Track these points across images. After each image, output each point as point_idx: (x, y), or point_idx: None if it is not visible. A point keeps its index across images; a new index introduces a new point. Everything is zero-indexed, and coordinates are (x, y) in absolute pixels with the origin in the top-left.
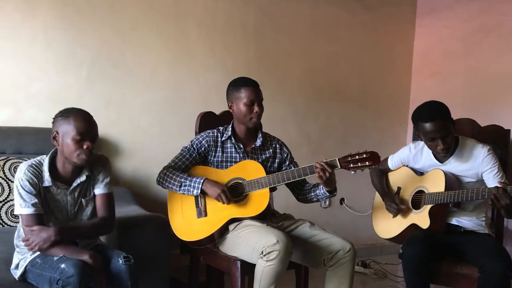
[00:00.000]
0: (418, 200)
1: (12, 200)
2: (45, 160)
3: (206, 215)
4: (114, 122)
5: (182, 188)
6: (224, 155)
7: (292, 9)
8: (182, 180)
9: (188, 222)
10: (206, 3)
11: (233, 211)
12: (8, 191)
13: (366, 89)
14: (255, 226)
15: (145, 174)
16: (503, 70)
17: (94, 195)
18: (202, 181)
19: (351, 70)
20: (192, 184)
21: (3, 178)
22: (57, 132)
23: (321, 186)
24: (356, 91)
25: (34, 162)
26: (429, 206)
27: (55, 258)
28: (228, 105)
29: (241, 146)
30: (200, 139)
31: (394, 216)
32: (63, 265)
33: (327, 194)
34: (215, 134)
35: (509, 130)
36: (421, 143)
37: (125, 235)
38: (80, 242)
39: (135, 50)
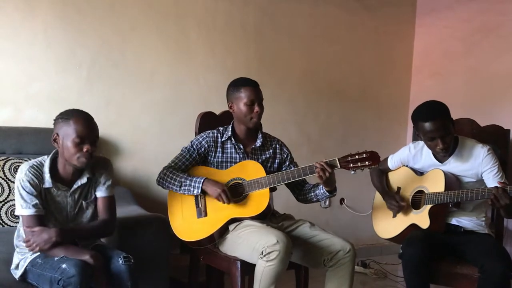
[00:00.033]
0: (418, 200)
1: (12, 200)
2: (46, 161)
3: (206, 215)
4: (114, 122)
5: (182, 188)
6: (224, 155)
7: (292, 9)
8: (183, 180)
9: (188, 222)
10: (206, 3)
11: (233, 211)
12: (8, 191)
13: (366, 89)
14: (255, 226)
15: (145, 174)
16: (503, 70)
17: (95, 198)
18: (202, 180)
19: (351, 70)
20: (193, 183)
21: (3, 178)
22: (57, 134)
23: (321, 186)
24: (356, 91)
25: (35, 163)
26: (429, 206)
27: (56, 258)
28: (228, 105)
29: (241, 146)
30: (200, 139)
31: (395, 214)
32: (64, 265)
33: (327, 194)
34: (215, 134)
35: (509, 130)
36: (421, 143)
37: (125, 235)
38: (80, 242)
39: (135, 50)
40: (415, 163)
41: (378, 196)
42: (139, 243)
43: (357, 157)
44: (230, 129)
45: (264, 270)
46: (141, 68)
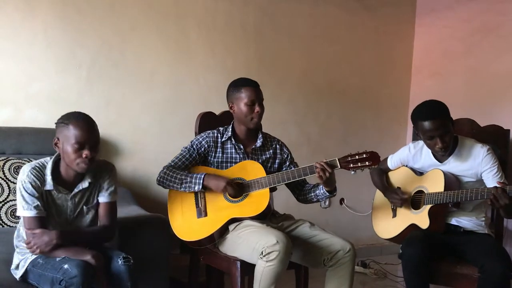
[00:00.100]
0: (417, 200)
1: (11, 200)
2: (49, 163)
3: (206, 215)
4: (114, 122)
5: (183, 186)
6: (224, 155)
7: (292, 9)
8: (183, 177)
9: (188, 222)
10: (206, 3)
11: (233, 211)
12: (8, 192)
13: (366, 89)
14: (255, 226)
15: (145, 174)
16: (503, 70)
17: (97, 203)
18: (203, 176)
19: (351, 70)
20: (193, 180)
21: (3, 179)
22: (58, 139)
23: (321, 186)
24: (356, 91)
25: (37, 165)
26: (428, 206)
27: (58, 259)
28: (229, 105)
29: (241, 146)
30: (200, 139)
31: (400, 205)
32: (66, 266)
33: (327, 194)
34: (215, 134)
35: (508, 130)
36: (421, 142)
37: (125, 235)
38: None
39: (135, 50)
40: (415, 163)
41: (378, 196)
42: (139, 243)
43: (357, 157)
44: (230, 129)
45: (264, 270)
46: (141, 68)
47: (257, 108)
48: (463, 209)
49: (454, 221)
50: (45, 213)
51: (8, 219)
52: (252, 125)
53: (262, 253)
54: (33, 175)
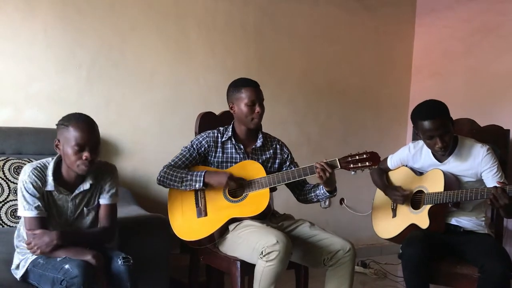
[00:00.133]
0: (417, 200)
1: (11, 200)
2: (51, 163)
3: (206, 214)
4: (114, 122)
5: (184, 184)
6: (225, 155)
7: (292, 9)
8: (183, 175)
9: (188, 222)
10: (206, 3)
11: (233, 211)
12: (8, 192)
13: (366, 89)
14: (255, 226)
15: (145, 174)
16: (503, 70)
17: (98, 204)
18: (203, 173)
19: (351, 70)
20: (194, 178)
21: (2, 179)
22: (58, 141)
23: (321, 186)
24: (356, 91)
25: (39, 165)
26: (428, 206)
27: (59, 259)
28: (229, 106)
29: (242, 146)
30: (200, 139)
31: (402, 202)
32: (67, 266)
33: (327, 194)
34: (215, 134)
35: (508, 130)
36: (421, 142)
37: (125, 235)
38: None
39: (135, 50)
40: (415, 163)
41: (378, 196)
42: (139, 243)
43: (357, 157)
44: (231, 129)
45: (264, 270)
46: (141, 68)
47: (257, 109)
48: (463, 209)
49: (454, 221)
50: (46, 213)
51: (8, 219)
52: (253, 125)
53: (262, 253)
54: (34, 176)
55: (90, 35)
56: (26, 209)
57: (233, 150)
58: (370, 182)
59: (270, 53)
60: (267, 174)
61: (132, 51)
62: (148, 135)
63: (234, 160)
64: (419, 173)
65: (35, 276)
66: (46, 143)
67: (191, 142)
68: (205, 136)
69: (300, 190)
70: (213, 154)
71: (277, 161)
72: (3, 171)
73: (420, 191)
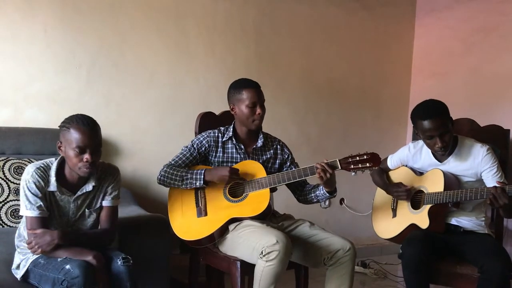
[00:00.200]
0: (417, 200)
1: (11, 200)
2: (54, 164)
3: (206, 214)
4: (114, 122)
5: (184, 182)
6: (225, 155)
7: (291, 9)
8: (183, 174)
9: (188, 222)
10: (206, 3)
11: (233, 211)
12: (8, 192)
13: (366, 89)
14: (255, 226)
15: (145, 174)
16: (503, 70)
17: (101, 206)
18: (203, 171)
19: (351, 70)
20: (194, 176)
21: (3, 179)
22: (61, 142)
23: (321, 187)
24: (356, 91)
25: (42, 165)
26: (428, 206)
27: (59, 259)
28: (230, 107)
29: (242, 146)
30: (201, 139)
31: (405, 199)
32: (67, 266)
33: (327, 195)
34: (216, 134)
35: (508, 130)
36: (421, 142)
37: (125, 235)
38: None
39: (135, 50)
40: (415, 163)
41: (378, 196)
42: (139, 243)
43: (357, 158)
44: (231, 129)
45: (263, 270)
46: (141, 68)
47: (258, 110)
48: (463, 209)
49: (454, 221)
50: (47, 213)
51: (8, 219)
52: (254, 126)
53: (262, 253)
54: (37, 175)
55: (90, 35)
56: (28, 209)
57: (234, 150)
58: (370, 182)
59: (270, 53)
60: (267, 174)
61: (132, 51)
62: (148, 135)
63: (234, 160)
64: (419, 173)
65: (35, 276)
66: (46, 143)
67: (192, 142)
68: (205, 135)
69: (300, 191)
70: (214, 154)
71: (277, 161)
72: (3, 171)
73: (420, 191)
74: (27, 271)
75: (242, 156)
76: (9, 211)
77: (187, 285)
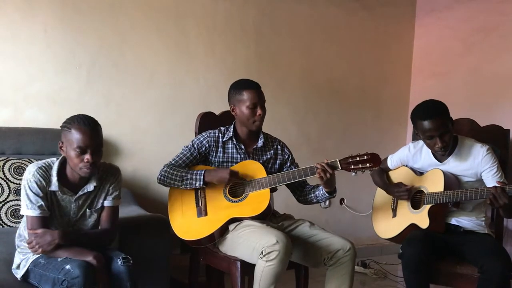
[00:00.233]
0: (417, 200)
1: (11, 200)
2: (55, 163)
3: (206, 214)
4: (114, 122)
5: (184, 183)
6: (225, 155)
7: (291, 9)
8: (183, 174)
9: (188, 221)
10: (206, 3)
11: (233, 211)
12: (8, 192)
13: (366, 89)
14: (255, 226)
15: (145, 174)
16: (503, 70)
17: (102, 206)
18: (203, 172)
19: (351, 70)
20: (194, 176)
21: (3, 179)
22: (62, 142)
23: (321, 187)
24: (356, 91)
25: (43, 164)
26: (428, 206)
27: (60, 259)
28: (230, 108)
29: (243, 146)
30: (201, 139)
31: (406, 199)
32: (68, 266)
33: (326, 195)
34: (216, 134)
35: (508, 130)
36: (421, 142)
37: (125, 235)
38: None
39: (135, 50)
40: (415, 163)
41: (378, 196)
42: (139, 243)
43: (358, 158)
44: (232, 129)
45: (264, 270)
46: (141, 68)
47: (259, 111)
48: (463, 209)
49: (454, 221)
50: (48, 213)
51: (8, 219)
52: (254, 127)
53: (262, 252)
54: (39, 175)
55: (90, 35)
56: (29, 208)
57: (234, 150)
58: (370, 182)
59: (270, 53)
60: (267, 175)
61: (132, 51)
62: (148, 135)
63: (235, 160)
64: (419, 173)
65: (35, 276)
66: (46, 143)
67: (192, 142)
68: (206, 135)
69: (300, 191)
70: (214, 154)
71: (277, 161)
72: (3, 171)
73: (420, 191)
74: (27, 271)
75: (242, 156)
76: (9, 211)
77: (187, 285)
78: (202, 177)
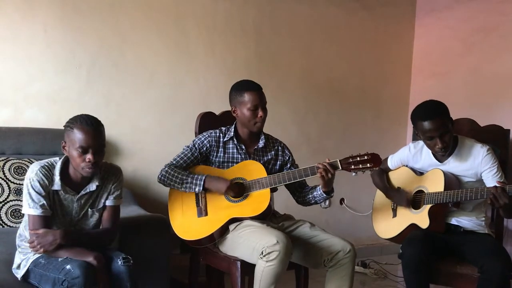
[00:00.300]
0: (417, 200)
1: (12, 200)
2: (58, 163)
3: (206, 214)
4: (114, 122)
5: (183, 186)
6: (226, 155)
7: (291, 9)
8: (184, 177)
9: (188, 221)
10: (206, 3)
11: (233, 211)
12: (8, 192)
13: (366, 89)
14: (256, 226)
15: (145, 174)
16: (503, 70)
17: (104, 206)
18: (203, 177)
19: (351, 70)
20: (194, 181)
21: (3, 179)
22: (65, 142)
23: (318, 188)
24: (356, 91)
25: (46, 164)
26: (428, 206)
27: (60, 259)
28: (232, 109)
29: (243, 147)
30: (202, 138)
31: (405, 206)
32: (68, 266)
33: (324, 195)
34: (217, 134)
35: (509, 130)
36: (421, 142)
37: (126, 235)
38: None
39: (135, 50)
40: (415, 163)
41: (378, 196)
42: (139, 243)
43: (358, 158)
44: (233, 129)
45: (264, 270)
46: (141, 68)
47: (260, 113)
48: (463, 209)
49: (454, 221)
50: (50, 212)
51: (8, 219)
52: (256, 129)
53: (262, 253)
54: (42, 174)
55: (90, 35)
56: (31, 207)
57: (235, 150)
58: (370, 182)
59: (270, 53)
60: (268, 175)
61: (132, 51)
62: (148, 135)
63: (235, 160)
64: (419, 173)
65: (36, 276)
66: (46, 143)
67: (193, 142)
68: (207, 135)
69: (299, 192)
70: (215, 154)
71: (278, 162)
72: (3, 171)
73: (420, 191)
74: (27, 271)
75: (243, 156)
76: (9, 211)
77: (187, 285)
78: (202, 182)
